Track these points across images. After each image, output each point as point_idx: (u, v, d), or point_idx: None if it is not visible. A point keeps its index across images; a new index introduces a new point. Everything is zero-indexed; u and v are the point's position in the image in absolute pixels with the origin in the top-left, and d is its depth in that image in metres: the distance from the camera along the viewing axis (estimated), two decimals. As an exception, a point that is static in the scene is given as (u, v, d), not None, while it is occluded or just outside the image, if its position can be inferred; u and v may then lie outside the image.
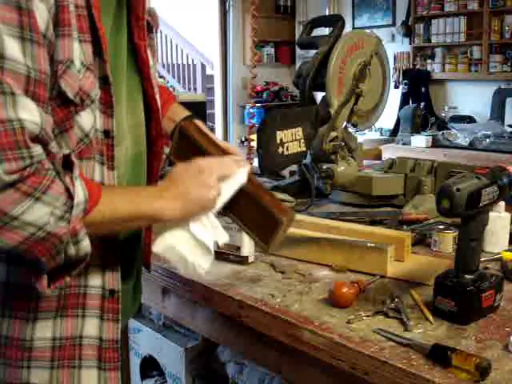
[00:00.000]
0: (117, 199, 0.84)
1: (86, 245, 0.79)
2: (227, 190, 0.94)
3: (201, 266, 0.94)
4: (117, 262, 0.93)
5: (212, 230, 0.94)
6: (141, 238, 1.07)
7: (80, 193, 0.77)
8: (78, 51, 0.81)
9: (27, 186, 0.72)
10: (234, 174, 0.95)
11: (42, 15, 0.76)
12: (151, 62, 1.02)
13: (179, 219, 0.91)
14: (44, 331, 0.87)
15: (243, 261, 1.27)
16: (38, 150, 0.74)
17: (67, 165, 0.80)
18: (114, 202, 0.83)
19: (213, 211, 0.94)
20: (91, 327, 0.90)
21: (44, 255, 0.76)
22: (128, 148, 0.97)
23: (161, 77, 8.08)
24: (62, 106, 0.81)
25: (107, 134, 0.88)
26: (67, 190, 0.76)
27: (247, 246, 1.27)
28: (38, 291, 0.81)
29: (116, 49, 0.94)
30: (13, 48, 0.73)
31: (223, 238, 0.96)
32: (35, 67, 0.75)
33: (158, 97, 1.04)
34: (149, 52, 1.01)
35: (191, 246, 0.93)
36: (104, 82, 0.86)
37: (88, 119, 0.84)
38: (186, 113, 1.17)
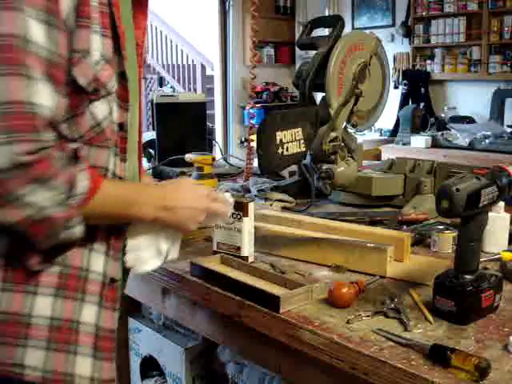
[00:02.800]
0: (111, 196, 0.90)
1: (78, 231, 0.85)
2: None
3: (147, 264, 1.02)
4: (120, 250, 0.97)
5: (172, 245, 1.03)
6: None
7: (82, 184, 0.83)
8: (98, 43, 0.86)
9: (35, 171, 0.76)
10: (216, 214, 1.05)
11: (65, 3, 0.81)
12: (142, 87, 1.12)
13: (157, 226, 0.99)
14: (43, 309, 0.87)
15: (243, 261, 1.27)
16: (49, 136, 0.79)
17: (75, 156, 0.85)
18: (106, 199, 0.89)
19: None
20: (89, 313, 0.92)
21: (39, 235, 0.82)
22: (133, 140, 1.04)
23: (161, 77, 8.10)
24: (75, 92, 0.85)
25: (121, 126, 0.93)
26: (70, 179, 0.81)
27: (247, 247, 1.27)
28: (29, 267, 0.85)
29: (133, 60, 1.00)
30: (38, 32, 0.77)
31: (173, 255, 1.05)
32: (57, 51, 0.80)
33: (142, 119, 1.12)
34: (141, 78, 1.09)
35: (151, 247, 1.01)
36: (122, 78, 0.92)
37: (102, 109, 0.88)
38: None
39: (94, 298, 0.92)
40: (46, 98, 0.78)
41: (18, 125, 0.74)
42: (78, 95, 0.85)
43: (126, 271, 1.04)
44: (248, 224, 1.26)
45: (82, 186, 0.83)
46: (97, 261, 0.93)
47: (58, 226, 0.81)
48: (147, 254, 1.01)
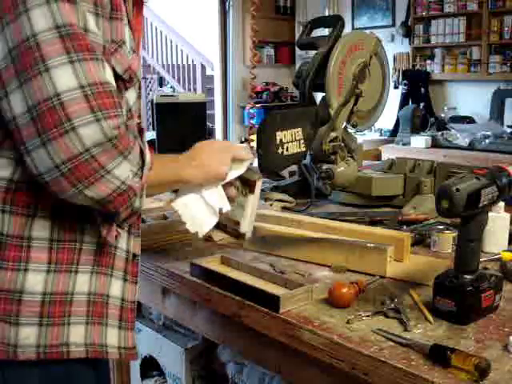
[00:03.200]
0: (163, 166, 1.04)
1: (145, 199, 0.93)
2: (235, 171, 1.16)
3: (204, 225, 1.16)
4: (139, 228, 1.03)
5: (220, 199, 1.14)
6: None
7: (148, 155, 0.90)
8: (128, 35, 0.92)
9: (122, 145, 0.83)
10: (242, 159, 1.17)
11: None
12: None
13: (198, 184, 1.12)
14: (83, 286, 0.92)
15: (240, 236, 1.25)
16: (123, 111, 0.87)
17: (140, 130, 0.94)
18: (163, 168, 1.03)
19: (222, 183, 1.14)
20: (116, 287, 0.98)
21: (121, 206, 0.87)
22: None
23: (161, 77, 8.11)
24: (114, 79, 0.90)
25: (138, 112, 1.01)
26: (141, 151, 0.88)
27: (247, 224, 1.24)
28: (108, 242, 0.93)
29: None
30: (91, 22, 0.83)
31: (226, 207, 1.15)
32: (106, 39, 0.86)
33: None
34: None
35: (201, 207, 1.14)
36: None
37: (132, 95, 0.96)
38: None
39: (120, 273, 0.98)
40: (111, 78, 0.86)
41: (106, 103, 0.81)
42: (116, 82, 0.90)
43: None
44: (252, 201, 1.22)
45: (148, 157, 0.90)
46: (122, 239, 0.98)
47: (136, 195, 0.88)
48: (199, 214, 1.14)
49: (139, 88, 1.00)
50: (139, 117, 1.01)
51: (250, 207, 1.23)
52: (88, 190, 0.81)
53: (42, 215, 0.88)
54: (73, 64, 0.79)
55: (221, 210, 1.15)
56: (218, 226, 1.26)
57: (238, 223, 1.24)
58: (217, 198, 1.14)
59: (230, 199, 1.18)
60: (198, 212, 1.14)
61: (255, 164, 2.04)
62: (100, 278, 0.94)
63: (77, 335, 0.91)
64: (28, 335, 0.87)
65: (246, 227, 1.24)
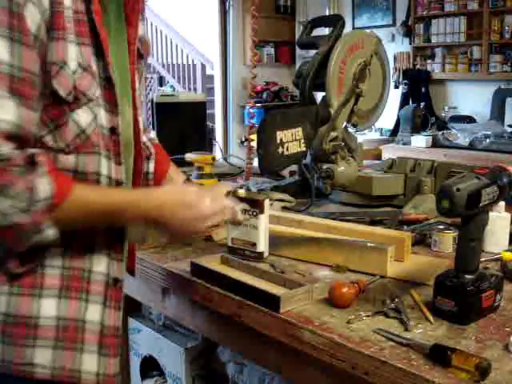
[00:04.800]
0: (91, 194, 0.91)
1: (50, 234, 0.86)
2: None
3: None
4: (122, 251, 1.00)
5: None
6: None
7: (44, 189, 0.84)
8: (74, 53, 0.88)
9: None
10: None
11: (33, 19, 0.83)
12: (137, 85, 1.09)
13: None
14: (49, 310, 0.91)
15: (258, 256, 1.28)
16: (8, 147, 0.81)
17: (33, 163, 0.85)
18: (87, 197, 0.90)
19: None
20: (94, 312, 0.95)
21: (9, 240, 0.86)
22: (128, 141, 1.05)
23: (161, 77, 8.10)
24: (56, 103, 0.88)
25: (113, 130, 0.95)
26: (29, 186, 0.82)
27: (263, 243, 1.28)
28: (11, 270, 0.89)
29: (122, 64, 1.01)
30: (0, 48, 0.79)
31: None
32: (21, 66, 0.82)
33: (140, 119, 1.11)
34: (136, 76, 1.08)
35: None
36: (108, 83, 0.93)
37: (85, 116, 0.91)
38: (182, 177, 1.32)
39: (98, 298, 0.96)
40: (6, 111, 0.80)
41: None
42: (59, 106, 0.88)
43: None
44: (264, 220, 1.27)
45: (45, 191, 0.84)
46: (100, 261, 0.96)
47: (26, 231, 0.84)
48: None
49: (114, 104, 0.94)
50: (117, 134, 0.95)
51: (263, 227, 1.27)
52: None
53: None
54: None
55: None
56: (235, 253, 1.29)
57: (254, 244, 1.28)
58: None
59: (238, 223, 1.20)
60: None
61: (255, 164, 2.04)
62: (70, 303, 0.93)
63: (43, 358, 0.90)
64: None
65: (262, 247, 1.28)
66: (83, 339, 0.94)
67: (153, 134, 1.35)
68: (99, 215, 0.92)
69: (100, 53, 0.91)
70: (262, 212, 1.26)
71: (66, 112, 0.89)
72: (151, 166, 1.20)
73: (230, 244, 1.31)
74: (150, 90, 7.83)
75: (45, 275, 0.91)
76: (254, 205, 1.26)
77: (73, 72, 0.87)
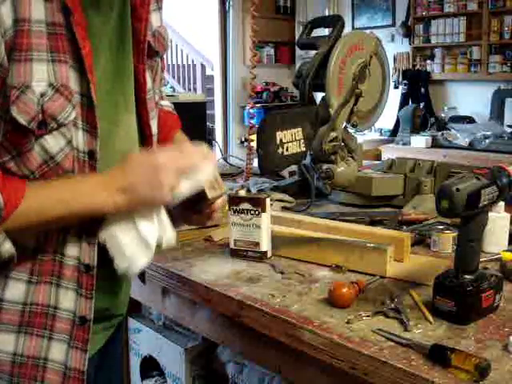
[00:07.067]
0: (45, 200, 0.82)
1: (6, 248, 0.80)
2: (186, 187, 0.90)
3: (137, 262, 0.90)
4: (92, 289, 0.90)
5: (158, 226, 0.92)
6: None
7: None
8: (44, 73, 0.78)
9: None
10: (196, 167, 0.91)
11: None
12: (149, 86, 1.00)
13: (124, 212, 0.87)
14: (6, 346, 0.85)
15: (262, 256, 1.28)
16: None
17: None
18: (41, 204, 0.81)
19: (164, 206, 0.92)
20: (57, 352, 0.88)
21: None
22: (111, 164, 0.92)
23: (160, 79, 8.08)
24: (17, 129, 0.79)
25: (91, 154, 0.85)
26: None
27: (266, 242, 1.28)
28: None
29: (119, 70, 0.93)
30: None
31: (169, 233, 0.93)
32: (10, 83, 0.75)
33: (153, 122, 1.02)
34: (148, 75, 0.99)
35: (133, 239, 0.89)
36: (89, 103, 0.83)
37: (55, 142, 0.81)
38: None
39: (63, 336, 0.88)
40: None
41: None
42: (22, 133, 0.79)
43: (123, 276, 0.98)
44: (266, 219, 1.27)
45: None
46: (65, 298, 0.88)
47: None
48: (132, 247, 0.89)
49: (94, 126, 0.84)
50: (94, 159, 0.85)
51: (265, 226, 1.27)
52: None
53: None
54: None
55: (160, 243, 0.93)
56: (238, 255, 1.29)
57: (257, 244, 1.28)
58: (154, 228, 0.91)
59: (237, 223, 1.16)
60: (129, 245, 0.89)
61: (255, 164, 2.04)
62: (31, 340, 0.86)
63: None
64: None
65: (265, 246, 1.28)
66: (43, 378, 0.87)
67: (164, 102, 1.21)
68: (59, 209, 0.82)
69: (81, 70, 0.81)
70: (263, 211, 1.26)
71: (31, 139, 0.79)
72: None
73: (232, 246, 1.31)
74: (150, 90, 7.81)
75: (1, 310, 0.85)
76: (256, 204, 1.26)
77: (40, 95, 0.78)
